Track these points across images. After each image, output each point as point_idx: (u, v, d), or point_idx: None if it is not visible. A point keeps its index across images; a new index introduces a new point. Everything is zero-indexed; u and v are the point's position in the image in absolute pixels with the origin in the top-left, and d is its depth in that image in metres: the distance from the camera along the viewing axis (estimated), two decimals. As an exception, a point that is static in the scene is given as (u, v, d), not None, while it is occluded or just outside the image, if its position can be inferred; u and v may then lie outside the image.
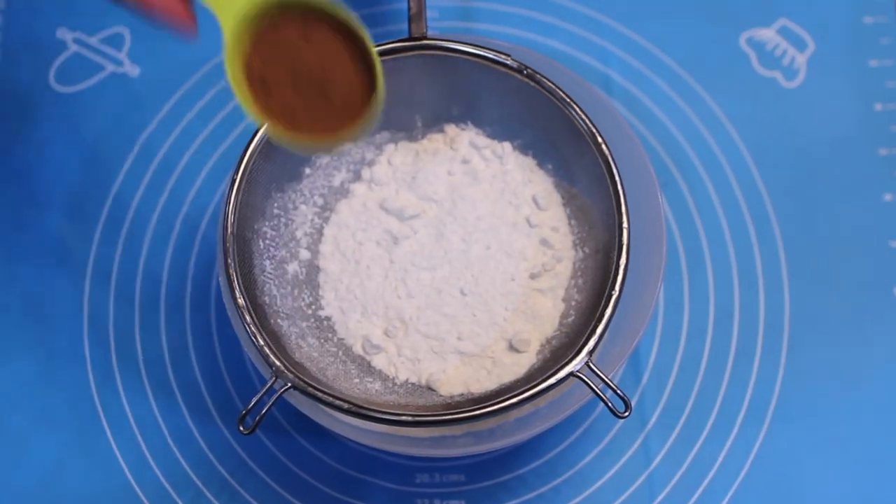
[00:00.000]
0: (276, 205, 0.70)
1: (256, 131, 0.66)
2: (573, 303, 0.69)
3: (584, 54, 0.82)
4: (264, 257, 0.69)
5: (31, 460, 0.74)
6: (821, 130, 0.80)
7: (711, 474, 0.73)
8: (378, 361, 0.69)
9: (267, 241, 0.69)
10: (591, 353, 0.62)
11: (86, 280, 0.77)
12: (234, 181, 0.66)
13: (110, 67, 0.83)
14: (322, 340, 0.69)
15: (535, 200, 0.71)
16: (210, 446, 0.74)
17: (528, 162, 0.72)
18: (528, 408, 0.66)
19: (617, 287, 0.63)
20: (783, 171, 0.79)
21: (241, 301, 0.63)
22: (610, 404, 0.61)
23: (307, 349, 0.67)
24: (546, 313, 0.69)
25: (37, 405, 0.75)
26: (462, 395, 0.67)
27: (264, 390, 0.62)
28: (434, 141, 0.73)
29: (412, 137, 0.74)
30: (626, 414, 0.61)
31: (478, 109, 0.72)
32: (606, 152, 0.66)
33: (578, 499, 0.73)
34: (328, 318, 0.70)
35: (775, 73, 0.82)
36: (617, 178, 0.65)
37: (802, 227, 0.78)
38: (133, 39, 0.83)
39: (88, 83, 0.82)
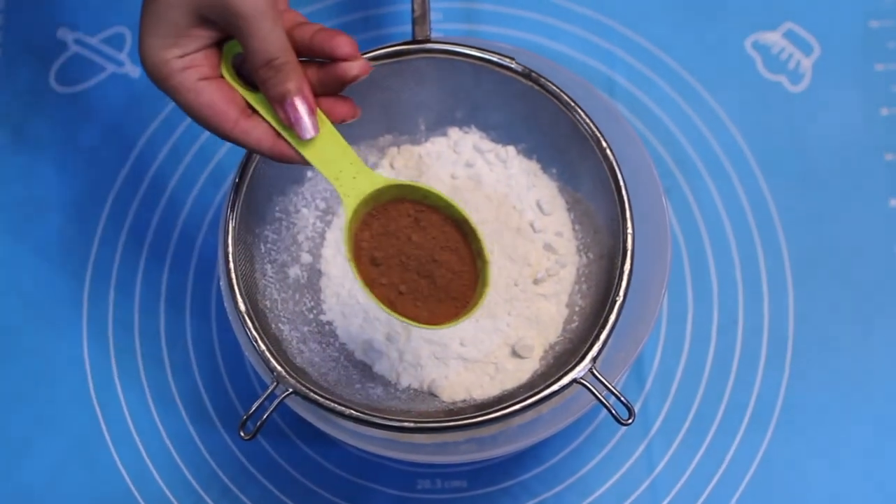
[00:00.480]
0: (277, 208, 0.70)
1: None
2: (577, 308, 0.68)
3: (589, 57, 0.82)
4: (265, 261, 0.68)
5: (30, 466, 0.73)
6: (826, 135, 0.80)
7: (715, 481, 0.73)
8: (380, 367, 0.68)
9: (268, 245, 0.69)
10: (594, 359, 0.61)
11: (85, 283, 0.77)
12: (235, 184, 0.65)
13: (111, 68, 0.82)
14: (323, 345, 0.68)
15: (538, 205, 0.71)
16: (210, 452, 0.74)
17: (532, 166, 0.72)
18: (530, 414, 0.65)
19: (621, 293, 0.63)
20: (788, 175, 0.79)
21: (242, 306, 0.63)
22: (613, 411, 0.60)
23: (308, 354, 0.67)
24: (549, 319, 0.68)
25: (36, 410, 0.74)
26: (464, 401, 0.67)
27: (265, 396, 0.61)
28: (437, 144, 0.73)
29: (415, 140, 0.73)
30: (630, 421, 0.60)
31: (481, 113, 0.72)
32: (611, 157, 0.65)
33: (581, 505, 0.73)
34: (330, 323, 0.70)
35: (781, 77, 0.81)
36: (621, 183, 0.65)
37: (807, 232, 0.78)
38: (134, 40, 0.83)
39: (89, 84, 0.82)
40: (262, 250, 0.68)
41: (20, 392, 0.75)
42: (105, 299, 0.77)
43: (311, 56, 0.56)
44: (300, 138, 0.57)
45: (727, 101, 0.81)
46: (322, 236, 0.71)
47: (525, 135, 0.72)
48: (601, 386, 0.61)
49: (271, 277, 0.68)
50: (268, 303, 0.67)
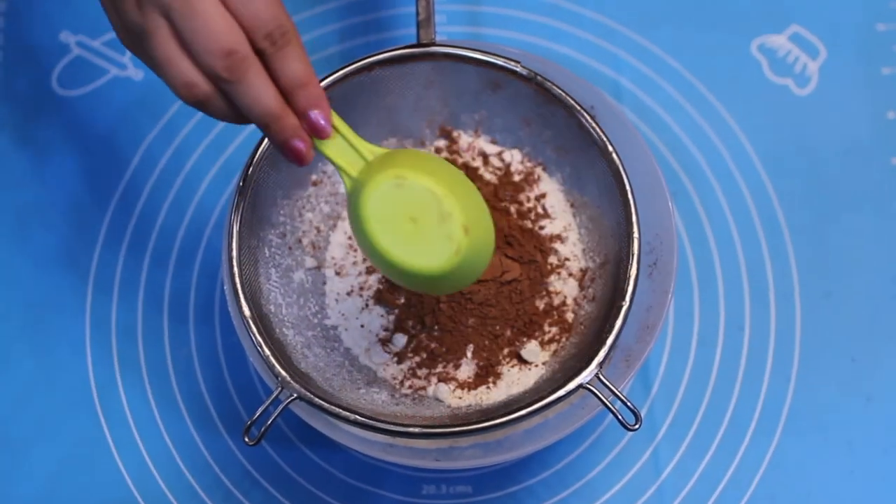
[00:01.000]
0: (281, 212, 0.70)
1: (263, 137, 0.66)
2: (582, 313, 0.68)
3: (594, 61, 0.81)
4: (270, 265, 0.68)
5: (32, 470, 0.73)
6: (833, 139, 0.80)
7: (721, 487, 0.72)
8: (385, 371, 0.68)
9: (272, 250, 0.69)
10: (601, 364, 0.61)
11: (88, 287, 0.77)
12: (239, 188, 0.65)
13: (113, 71, 0.82)
14: (328, 350, 0.68)
15: (544, 209, 0.70)
16: (214, 457, 0.73)
17: (537, 170, 0.72)
18: (536, 419, 0.65)
19: (627, 298, 0.62)
20: (795, 179, 0.79)
21: (246, 311, 0.63)
22: (620, 417, 0.60)
23: (313, 359, 0.66)
24: (555, 323, 0.68)
25: (38, 414, 0.74)
26: (469, 406, 0.67)
27: (270, 401, 0.61)
28: (441, 148, 0.72)
29: (420, 144, 0.73)
30: (637, 426, 0.60)
31: (487, 116, 0.72)
32: (617, 161, 0.65)
33: (587, 510, 0.73)
34: (334, 328, 0.69)
35: (787, 80, 0.81)
36: (627, 187, 0.65)
37: (814, 237, 0.77)
38: (137, 43, 0.82)
39: (91, 87, 0.82)
40: (267, 254, 0.68)
41: (23, 396, 0.74)
42: (108, 303, 0.76)
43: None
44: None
45: (733, 105, 0.80)
46: (327, 240, 0.71)
47: (530, 138, 0.71)
48: (608, 391, 0.61)
49: (275, 282, 0.68)
50: (272, 307, 0.67)
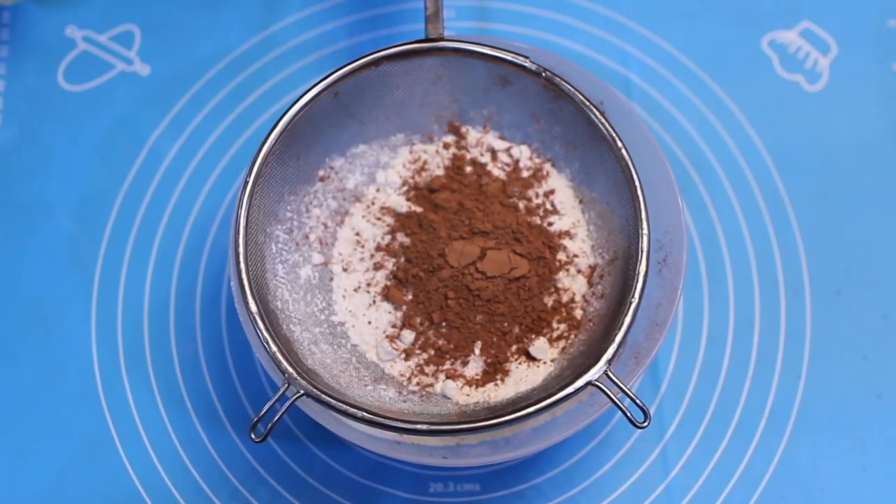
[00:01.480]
0: (288, 208, 0.69)
1: (270, 132, 0.65)
2: (591, 310, 0.68)
3: (604, 56, 0.81)
4: (276, 261, 0.68)
5: (38, 467, 0.73)
6: (844, 135, 0.79)
7: (730, 486, 0.72)
8: (392, 368, 0.68)
9: (279, 245, 0.68)
10: (609, 361, 0.61)
11: (94, 283, 0.76)
12: (246, 183, 0.64)
13: (120, 66, 0.82)
14: (335, 346, 0.68)
15: (553, 205, 0.70)
16: (220, 454, 0.73)
17: (546, 166, 0.71)
18: (544, 417, 0.65)
19: (636, 295, 0.62)
20: (805, 175, 0.78)
21: (253, 307, 0.62)
22: (629, 414, 0.60)
23: (320, 355, 0.66)
24: (564, 320, 0.68)
25: (44, 411, 0.74)
26: (477, 403, 0.66)
27: (276, 397, 0.61)
28: (450, 144, 0.72)
29: (427, 140, 0.72)
30: (646, 424, 0.60)
31: (495, 112, 0.72)
32: (626, 157, 0.65)
33: (595, 509, 0.72)
34: (341, 324, 0.69)
35: (798, 76, 0.81)
36: (637, 183, 0.64)
37: (825, 233, 0.77)
38: (143, 38, 0.82)
39: (98, 82, 0.81)
40: (273, 251, 0.68)
41: (28, 393, 0.74)
42: (114, 299, 0.76)
43: None
44: None
45: (743, 101, 0.80)
46: (334, 237, 0.71)
47: (539, 134, 0.71)
48: (616, 389, 0.60)
49: (282, 278, 0.68)
50: (279, 303, 0.66)
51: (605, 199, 0.69)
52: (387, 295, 0.69)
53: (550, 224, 0.70)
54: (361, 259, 0.70)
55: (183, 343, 0.75)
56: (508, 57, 0.67)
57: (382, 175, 0.72)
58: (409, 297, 0.69)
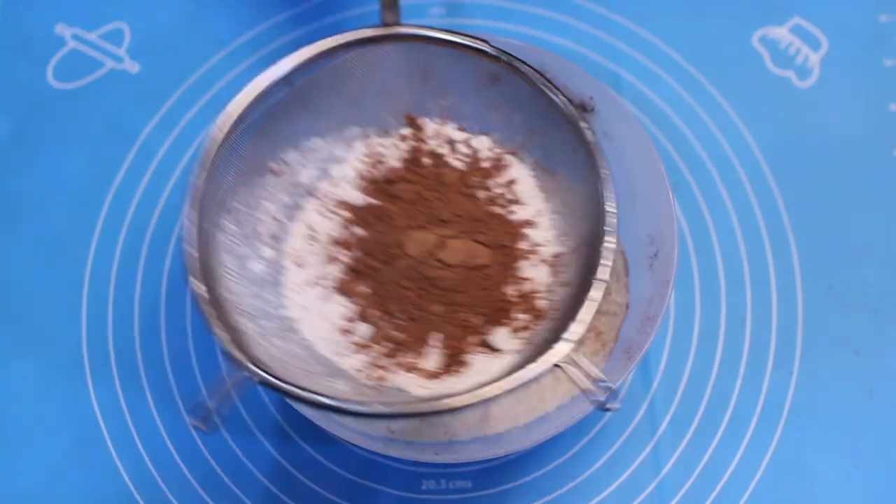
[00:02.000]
0: (239, 200, 0.67)
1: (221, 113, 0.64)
2: (556, 299, 0.65)
3: (594, 53, 0.81)
4: (224, 252, 0.65)
5: (29, 466, 0.72)
6: (834, 131, 0.79)
7: (723, 482, 0.72)
8: (345, 362, 0.65)
9: (229, 237, 0.65)
10: (571, 341, 0.58)
11: (84, 281, 0.76)
12: (197, 175, 0.62)
13: (110, 64, 0.82)
14: (287, 341, 0.65)
15: (514, 195, 0.69)
16: (211, 452, 0.72)
17: (507, 156, 0.70)
18: (535, 412, 0.64)
19: (600, 272, 0.60)
20: (796, 171, 0.78)
21: (200, 289, 0.60)
22: (594, 397, 0.56)
23: (273, 350, 0.62)
24: (527, 310, 0.66)
25: (34, 410, 0.73)
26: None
27: (229, 387, 0.59)
28: (407, 136, 0.71)
29: (384, 133, 0.71)
30: (616, 406, 0.56)
31: (454, 102, 0.70)
32: (589, 137, 0.63)
33: (587, 506, 0.72)
34: (293, 319, 0.66)
35: (789, 72, 0.81)
36: (599, 159, 0.62)
37: (816, 229, 0.77)
38: (133, 35, 0.82)
39: (87, 80, 0.81)
40: (223, 241, 0.65)
41: (18, 392, 0.74)
42: (104, 297, 0.76)
43: None
44: None
45: (734, 97, 0.80)
46: (285, 231, 0.69)
47: (499, 123, 0.70)
48: (581, 371, 0.57)
49: (231, 270, 0.65)
50: (227, 295, 0.63)
51: (571, 183, 0.67)
52: (341, 288, 0.67)
53: (512, 213, 0.68)
54: (315, 253, 0.68)
55: (173, 341, 0.75)
56: (466, 41, 0.65)
57: (337, 169, 0.70)
58: (365, 289, 0.66)
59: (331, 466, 0.72)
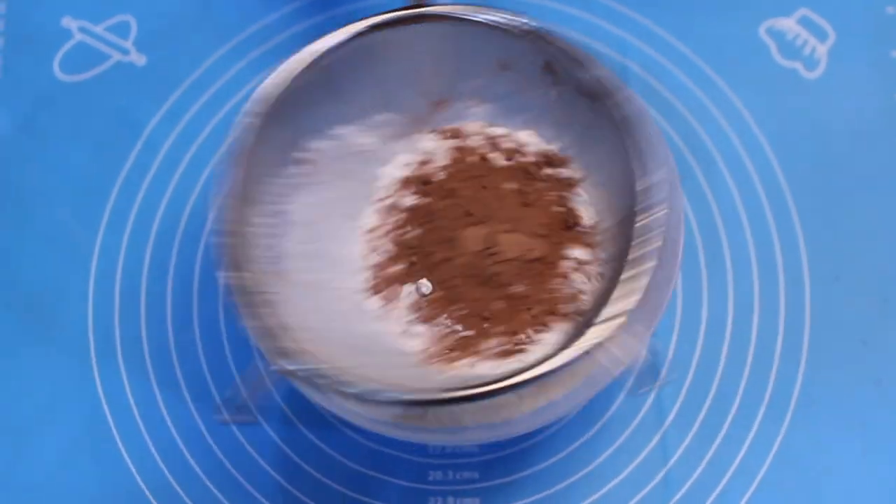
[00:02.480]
0: (270, 191, 0.66)
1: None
2: (600, 278, 0.66)
3: (602, 44, 0.81)
4: (260, 238, 0.64)
5: (34, 457, 0.73)
6: (842, 122, 0.79)
7: (730, 473, 0.72)
8: (405, 349, 0.66)
9: (261, 224, 0.66)
10: (615, 320, 0.58)
11: (91, 273, 0.76)
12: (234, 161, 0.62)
13: (116, 56, 0.82)
14: (341, 333, 0.66)
15: (559, 183, 0.69)
16: (217, 442, 0.72)
17: (551, 147, 0.70)
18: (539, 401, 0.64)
19: (635, 251, 0.60)
20: (803, 162, 0.78)
21: (237, 283, 0.60)
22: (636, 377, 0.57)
23: (306, 333, 0.63)
24: (572, 292, 0.66)
25: (40, 401, 0.74)
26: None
27: (258, 377, 0.59)
28: (447, 133, 0.71)
29: (416, 119, 0.71)
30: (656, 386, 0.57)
31: (486, 83, 0.70)
32: (625, 109, 0.63)
33: (593, 497, 0.71)
34: (352, 315, 0.67)
35: (796, 63, 0.81)
36: (634, 135, 0.62)
37: (823, 220, 0.77)
38: (139, 28, 0.82)
39: (94, 72, 0.81)
40: (258, 230, 0.65)
41: (24, 384, 0.74)
42: (111, 288, 0.76)
43: None
44: None
45: (742, 88, 0.80)
46: (339, 228, 0.69)
47: (532, 104, 0.70)
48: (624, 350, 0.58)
49: (265, 255, 0.65)
50: (263, 281, 0.64)
51: (607, 166, 0.66)
52: (396, 287, 0.68)
53: (561, 203, 0.69)
54: (370, 252, 0.69)
55: (180, 332, 0.75)
56: (502, 19, 0.65)
57: (383, 171, 0.71)
58: (423, 288, 0.68)
59: (336, 456, 0.72)
